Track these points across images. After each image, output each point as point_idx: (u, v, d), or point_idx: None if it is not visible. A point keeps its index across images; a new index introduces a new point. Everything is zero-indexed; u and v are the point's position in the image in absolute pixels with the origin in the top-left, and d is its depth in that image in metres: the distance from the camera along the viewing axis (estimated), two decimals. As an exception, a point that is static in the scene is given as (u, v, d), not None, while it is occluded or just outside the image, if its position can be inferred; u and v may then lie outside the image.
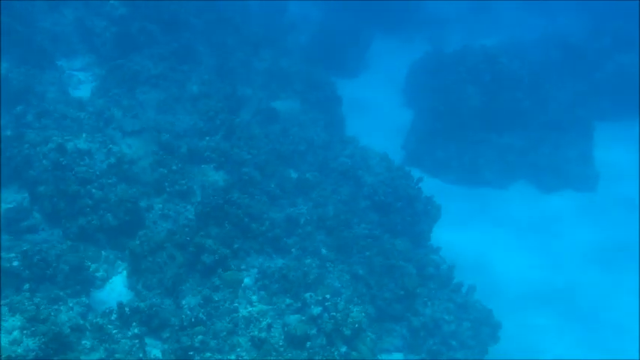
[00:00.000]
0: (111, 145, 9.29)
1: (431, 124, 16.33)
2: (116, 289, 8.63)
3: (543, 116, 15.75)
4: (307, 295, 8.22)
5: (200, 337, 7.12)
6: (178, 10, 13.85)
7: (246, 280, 9.08)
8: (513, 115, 15.44)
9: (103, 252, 8.77)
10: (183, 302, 7.82)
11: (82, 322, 7.36)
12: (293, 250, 10.56)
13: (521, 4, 26.54)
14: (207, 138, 11.21)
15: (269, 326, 7.46)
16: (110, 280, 8.73)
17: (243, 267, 9.50)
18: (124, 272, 8.80)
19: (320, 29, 22.68)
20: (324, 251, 10.84)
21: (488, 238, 14.17)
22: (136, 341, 7.32)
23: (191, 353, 7.27)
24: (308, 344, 7.60)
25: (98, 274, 8.58)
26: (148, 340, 7.75)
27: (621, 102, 17.71)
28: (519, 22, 25.71)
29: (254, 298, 8.34)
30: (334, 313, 7.54)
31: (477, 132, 15.56)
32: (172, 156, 10.22)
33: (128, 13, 13.27)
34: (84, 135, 9.52)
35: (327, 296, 8.17)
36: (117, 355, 7.04)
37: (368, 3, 24.31)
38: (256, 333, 7.33)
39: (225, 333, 7.30)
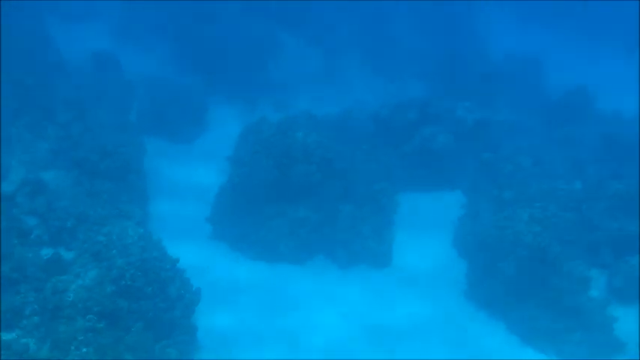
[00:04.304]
0: None
1: (233, 196, 15.81)
2: None
3: (339, 190, 15.62)
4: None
5: None
6: None
7: None
8: (307, 188, 15.20)
9: None
10: None
11: None
12: (4, 347, 9.42)
13: (371, 69, 27.28)
14: None
15: None
16: None
17: None
18: None
19: (154, 90, 21.93)
20: (44, 348, 9.75)
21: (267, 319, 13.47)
22: None
23: None
24: None
25: None
26: None
27: (428, 173, 18.06)
28: (368, 89, 26.24)
29: None
30: None
31: (272, 205, 15.17)
32: None
33: None
34: None
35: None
36: None
37: (210, 65, 24.02)
38: None
39: None
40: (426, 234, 16.71)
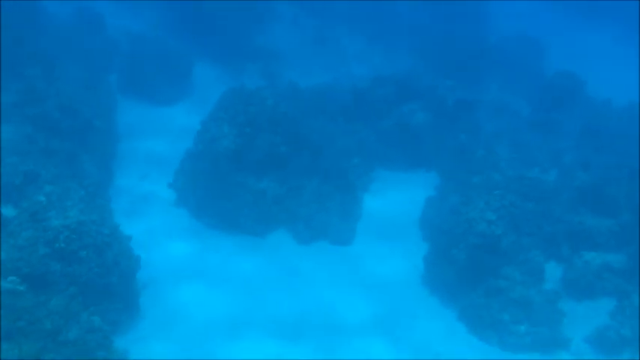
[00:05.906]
0: None
1: (196, 163, 15.43)
2: None
3: (307, 163, 15.15)
4: None
5: None
6: None
7: None
8: (274, 160, 14.77)
9: None
10: None
11: None
12: None
13: (366, 42, 26.51)
14: None
15: None
16: None
17: None
18: None
19: (137, 49, 21.37)
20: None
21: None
22: None
23: None
24: None
25: None
26: None
27: (404, 151, 17.53)
28: (361, 61, 25.58)
29: None
30: None
31: (234, 175, 14.73)
32: None
33: None
34: None
35: None
36: None
37: (200, 28, 23.38)
38: None
39: None
40: (395, 214, 16.25)
